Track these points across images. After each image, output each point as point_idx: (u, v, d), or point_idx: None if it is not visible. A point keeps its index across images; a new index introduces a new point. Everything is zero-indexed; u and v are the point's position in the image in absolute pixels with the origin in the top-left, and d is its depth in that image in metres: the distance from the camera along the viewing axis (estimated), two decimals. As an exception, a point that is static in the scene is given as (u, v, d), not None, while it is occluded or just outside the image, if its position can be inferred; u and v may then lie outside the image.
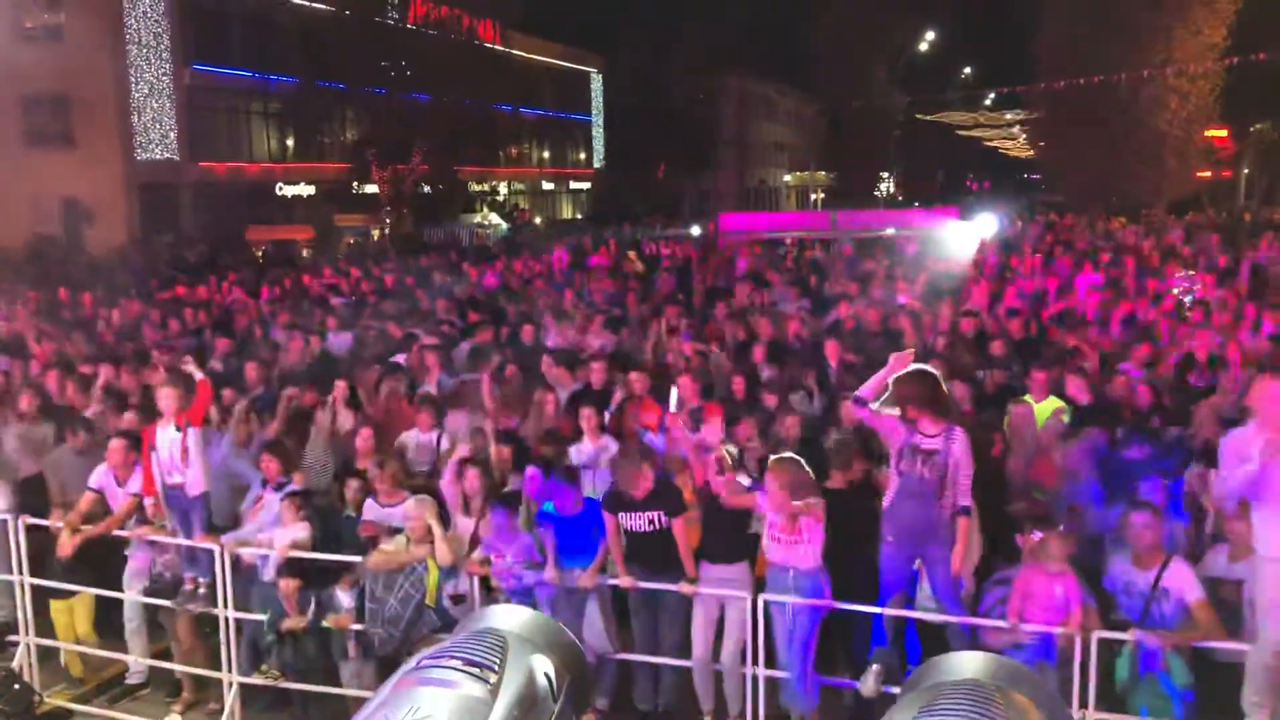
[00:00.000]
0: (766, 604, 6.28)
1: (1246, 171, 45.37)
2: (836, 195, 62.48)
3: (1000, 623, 6.00)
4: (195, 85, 35.29)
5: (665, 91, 52.88)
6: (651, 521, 6.55)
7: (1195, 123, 38.93)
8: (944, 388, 6.15)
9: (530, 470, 7.32)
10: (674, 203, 52.90)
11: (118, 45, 32.78)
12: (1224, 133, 42.53)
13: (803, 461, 6.24)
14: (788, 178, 76.24)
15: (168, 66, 34.23)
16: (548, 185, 59.14)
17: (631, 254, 23.64)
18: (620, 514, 6.61)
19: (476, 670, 1.74)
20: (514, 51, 49.64)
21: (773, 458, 6.25)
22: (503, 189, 52.76)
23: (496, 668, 1.76)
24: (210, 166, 36.22)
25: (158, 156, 34.31)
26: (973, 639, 6.07)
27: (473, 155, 42.62)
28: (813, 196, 74.37)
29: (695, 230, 36.35)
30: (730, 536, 6.47)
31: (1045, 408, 8.19)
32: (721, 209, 40.80)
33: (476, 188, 48.02)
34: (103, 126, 32.76)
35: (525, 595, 6.68)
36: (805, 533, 6.12)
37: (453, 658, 1.80)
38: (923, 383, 5.96)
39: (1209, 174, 44.07)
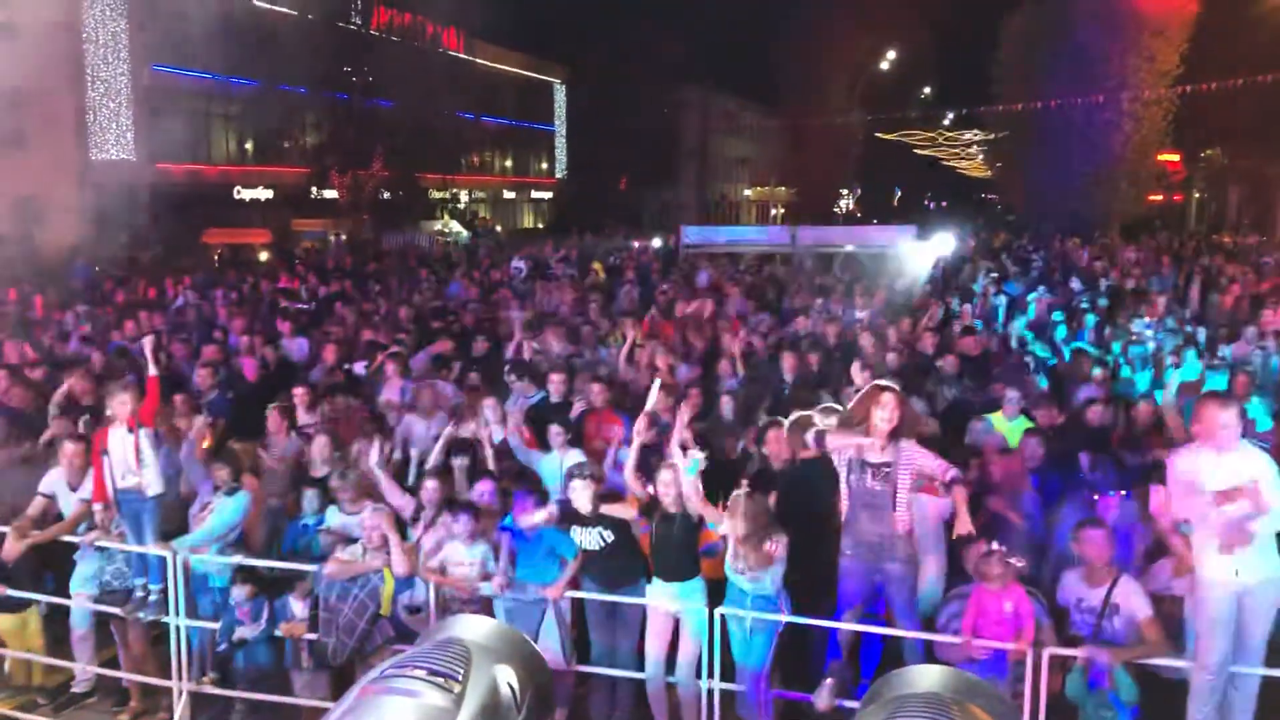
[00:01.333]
0: (723, 617, 6.30)
1: (1197, 196, 46.29)
2: (796, 211, 62.87)
3: (955, 638, 6.07)
4: (154, 86, 34.87)
5: (628, 103, 52.99)
6: (600, 538, 6.57)
7: (1148, 147, 39.68)
8: (907, 405, 6.24)
9: (483, 484, 7.29)
10: (635, 214, 52.95)
11: (75, 44, 32.33)
12: (1176, 158, 43.40)
13: (768, 501, 6.28)
14: (748, 192, 76.64)
15: (126, 67, 33.81)
16: (509, 194, 59.02)
17: (596, 265, 23.63)
18: (572, 528, 6.62)
19: (440, 680, 1.74)
20: (477, 60, 49.56)
21: (737, 493, 6.26)
22: (464, 197, 52.58)
23: (460, 678, 1.77)
24: (167, 168, 35.78)
25: (114, 157, 33.85)
26: (928, 654, 6.14)
27: (434, 162, 42.46)
28: (773, 211, 74.87)
29: (656, 242, 36.42)
30: (681, 554, 6.49)
31: (1016, 427, 8.27)
32: (683, 221, 40.91)
33: (437, 195, 47.81)
34: (58, 126, 32.25)
35: (482, 606, 6.65)
36: (767, 567, 6.15)
37: (416, 667, 1.80)
38: (884, 400, 6.06)
39: (1160, 198, 44.91)
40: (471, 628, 2.02)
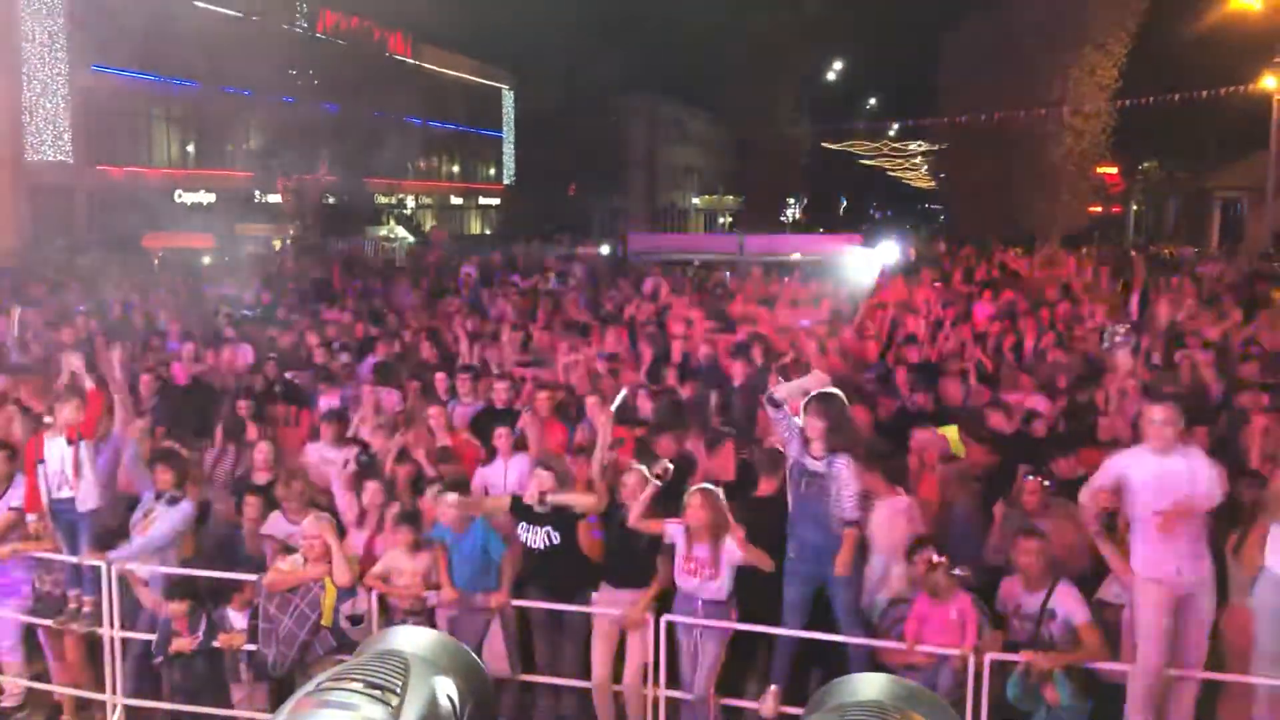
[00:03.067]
0: (670, 624, 6.29)
1: (1135, 208, 47.27)
2: (744, 219, 63.21)
3: (898, 644, 6.12)
4: (93, 87, 34.23)
5: (576, 110, 53.01)
6: (545, 538, 6.53)
7: (1087, 159, 40.42)
8: (848, 412, 6.29)
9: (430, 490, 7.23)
10: (584, 221, 52.96)
11: (11, 43, 31.65)
12: (1114, 170, 44.30)
13: (721, 494, 6.29)
14: (696, 200, 76.98)
15: (64, 67, 33.15)
16: (456, 200, 58.72)
17: (549, 273, 23.52)
18: (519, 524, 6.58)
19: (378, 693, 1.71)
20: (425, 65, 49.27)
21: (695, 488, 6.26)
22: (410, 202, 52.21)
23: (398, 690, 1.74)
24: (107, 170, 35.14)
25: (50, 159, 33.17)
26: (871, 660, 6.18)
27: (381, 167, 42.13)
28: (720, 220, 75.24)
29: (604, 249, 36.44)
30: (634, 560, 6.47)
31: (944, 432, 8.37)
32: (630, 229, 40.99)
33: (384, 200, 47.43)
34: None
35: (425, 616, 6.58)
36: (719, 568, 6.15)
37: (353, 680, 1.76)
38: (830, 406, 6.10)
39: (1100, 209, 45.77)
40: (410, 639, 1.99)
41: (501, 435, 7.89)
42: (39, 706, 7.33)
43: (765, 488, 6.81)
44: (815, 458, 6.10)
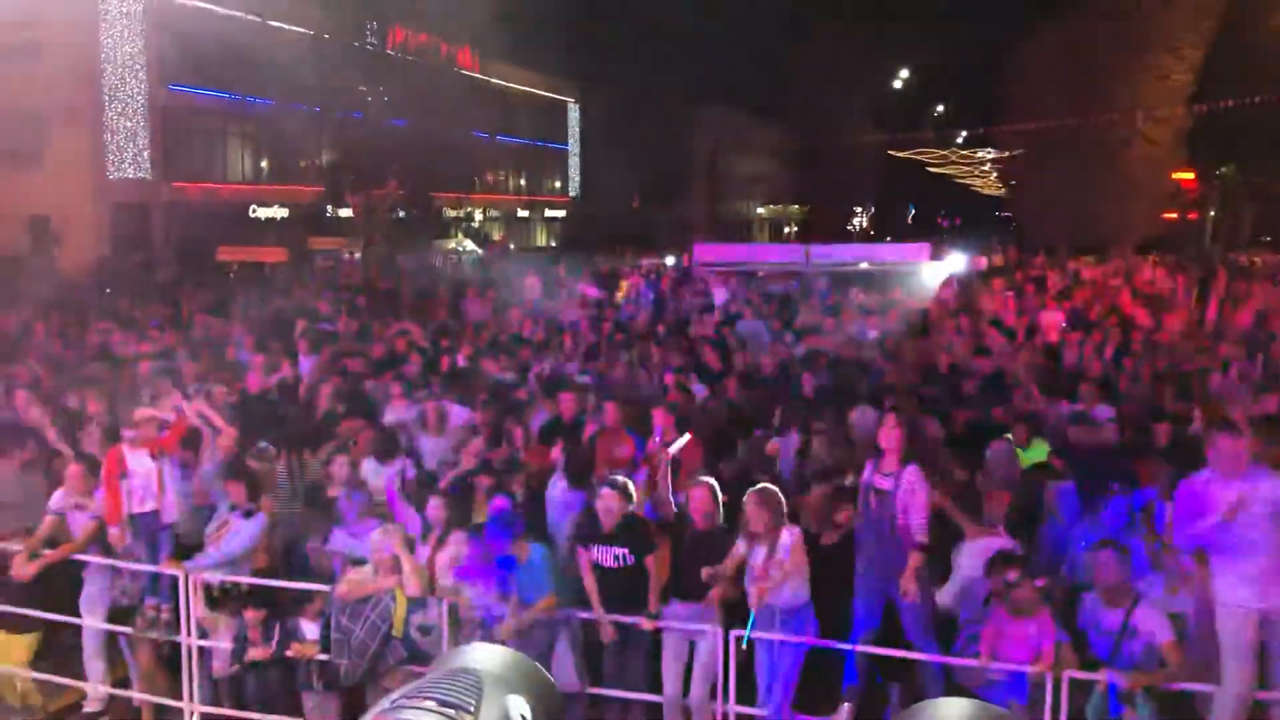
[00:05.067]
0: (739, 640, 6.23)
1: (1212, 213, 46.09)
2: (809, 229, 62.83)
3: (973, 661, 6.00)
4: (171, 105, 35.14)
5: (640, 121, 53.14)
6: (618, 558, 6.50)
7: (1162, 165, 39.56)
8: (921, 426, 6.23)
9: (498, 501, 7.25)
10: (648, 232, 53.02)
11: (93, 63, 32.62)
12: (1191, 175, 43.26)
13: (778, 491, 6.23)
14: (761, 210, 76.71)
15: (143, 86, 34.08)
16: (523, 213, 59.19)
17: (624, 283, 23.58)
18: (591, 548, 6.55)
19: (451, 711, 1.70)
20: (492, 79, 49.77)
21: (751, 490, 6.22)
22: (478, 215, 52.74)
23: (472, 709, 1.73)
24: (184, 187, 36.01)
25: (130, 175, 34.09)
26: (946, 677, 6.08)
27: (449, 181, 42.60)
28: (786, 229, 74.88)
29: (669, 260, 36.44)
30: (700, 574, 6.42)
31: (1034, 450, 8.21)
32: (695, 240, 40.90)
33: (452, 214, 47.95)
34: (75, 144, 32.52)
35: (490, 629, 6.59)
36: (787, 570, 6.09)
37: (427, 698, 1.76)
38: (905, 419, 6.07)
39: (1175, 216, 44.74)
40: (484, 656, 1.98)
41: (556, 450, 7.91)
42: (120, 713, 7.47)
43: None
44: (884, 473, 6.03)
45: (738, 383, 10.32)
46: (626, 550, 6.47)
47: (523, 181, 59.28)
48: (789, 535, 6.08)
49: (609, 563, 6.50)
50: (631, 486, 6.70)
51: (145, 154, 34.52)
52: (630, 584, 6.47)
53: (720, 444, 8.43)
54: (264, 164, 40.84)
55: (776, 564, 5.97)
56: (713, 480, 6.61)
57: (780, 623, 6.14)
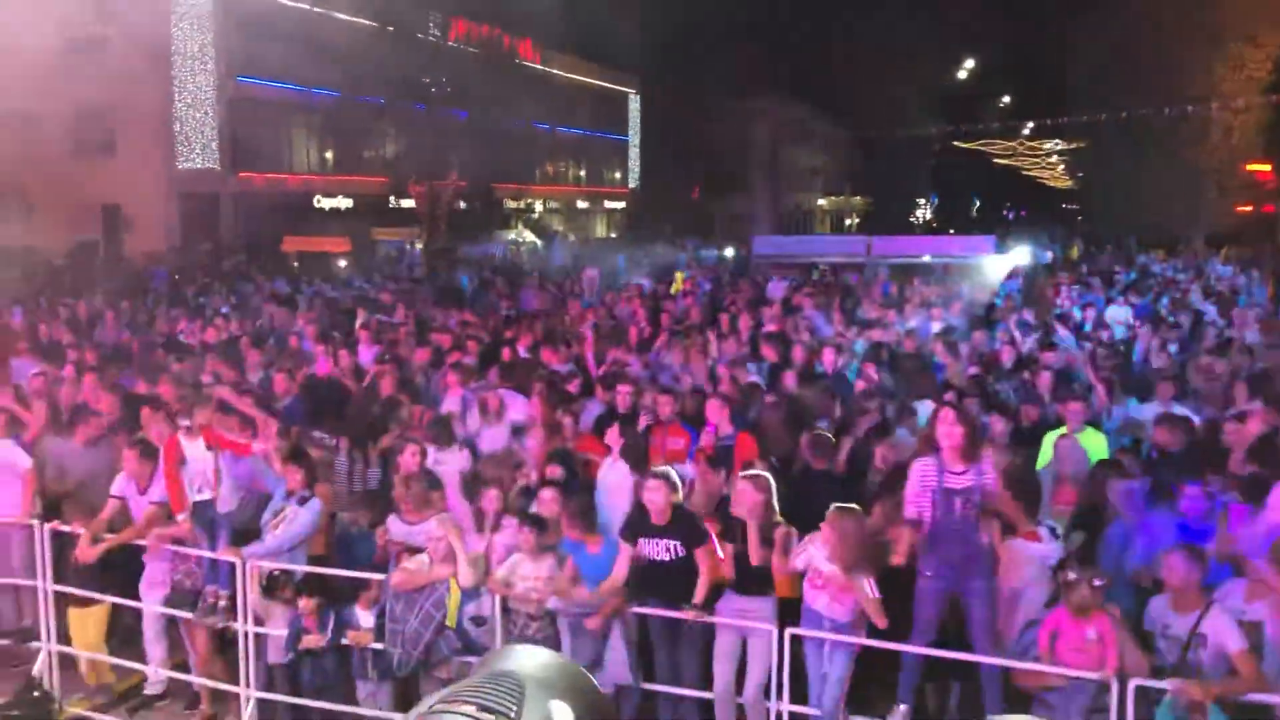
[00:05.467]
0: (794, 637, 6.15)
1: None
2: (871, 220, 62.21)
3: (1032, 665, 5.86)
4: (238, 97, 35.69)
5: (701, 112, 52.94)
6: (669, 550, 6.43)
7: (1237, 156, 38.51)
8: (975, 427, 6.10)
9: (546, 492, 7.22)
10: (708, 224, 52.88)
11: (163, 56, 33.24)
12: (1267, 167, 42.05)
13: (861, 513, 6.11)
14: (822, 202, 76.07)
15: (211, 78, 34.66)
16: (583, 204, 59.30)
17: (679, 274, 23.52)
18: (639, 541, 6.48)
19: (490, 717, 1.66)
20: (553, 71, 49.88)
21: (833, 508, 6.10)
22: (538, 206, 52.94)
23: (512, 714, 1.69)
24: (250, 177, 36.57)
25: (198, 166, 34.70)
26: (1005, 681, 5.94)
27: (510, 173, 42.80)
28: (847, 221, 74.21)
29: (729, 252, 36.30)
30: (757, 569, 6.33)
31: (1089, 440, 8.03)
32: (755, 232, 40.69)
33: (512, 205, 48.17)
34: (146, 135, 33.19)
35: (548, 620, 6.58)
36: (849, 597, 5.98)
37: (466, 703, 1.73)
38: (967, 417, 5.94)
39: (1250, 208, 43.56)
40: (527, 659, 1.93)
41: (613, 434, 7.87)
42: (180, 695, 7.59)
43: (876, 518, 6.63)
44: (955, 472, 5.91)
45: (796, 377, 10.19)
46: (678, 543, 6.40)
47: (582, 173, 59.38)
48: (867, 587, 5.97)
49: (660, 556, 6.43)
50: (675, 476, 6.63)
51: (213, 145, 35.12)
52: (681, 578, 6.39)
53: (777, 439, 8.32)
54: (328, 155, 41.33)
55: (843, 587, 5.89)
56: (765, 473, 6.51)
57: (831, 629, 6.04)
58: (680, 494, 6.58)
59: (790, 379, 10.08)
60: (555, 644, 6.58)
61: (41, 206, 29.48)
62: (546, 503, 7.01)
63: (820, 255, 28.76)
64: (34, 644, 7.62)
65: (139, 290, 20.03)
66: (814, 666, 6.20)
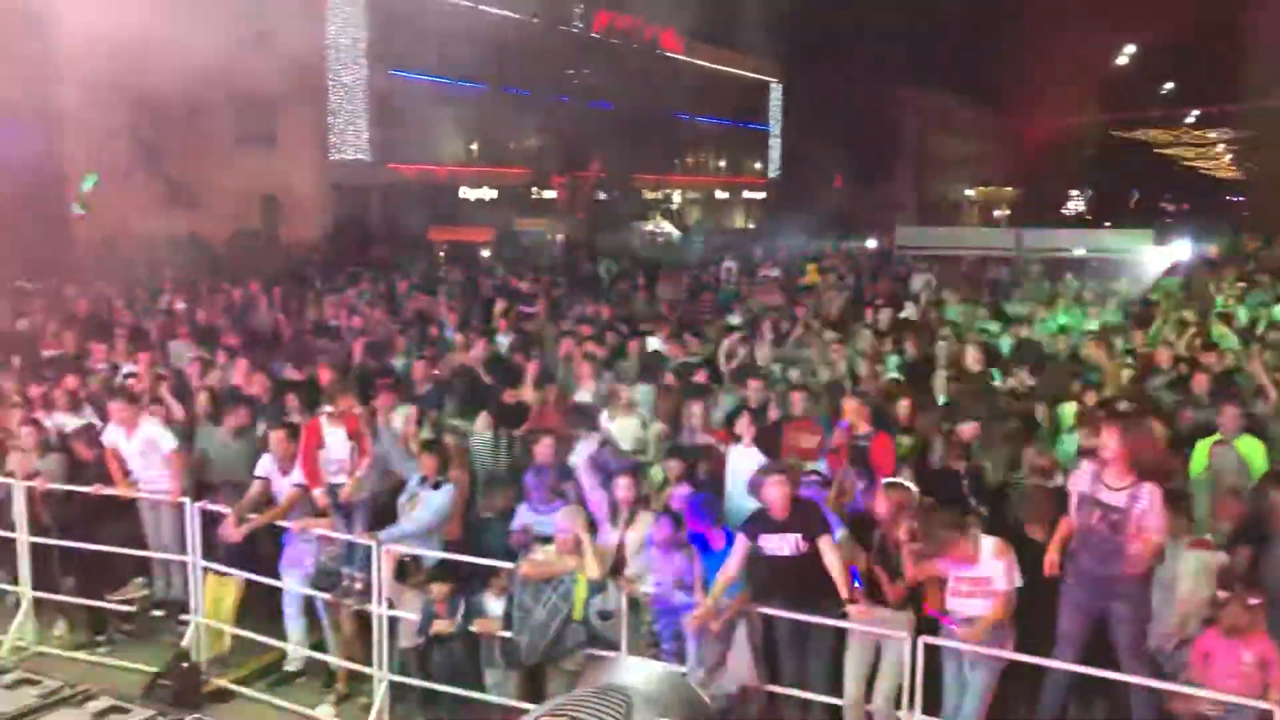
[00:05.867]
0: (928, 647, 5.92)
1: None
2: (1022, 212, 60.16)
3: (1183, 688, 5.50)
4: (389, 90, 36.75)
5: (845, 101, 52.06)
6: (792, 545, 6.25)
7: None
8: (1154, 439, 5.74)
9: (679, 489, 7.13)
10: (849, 214, 51.98)
11: (319, 50, 34.46)
12: None
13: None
14: (970, 192, 73.93)
15: (364, 71, 35.78)
16: (721, 194, 59.07)
17: (811, 266, 23.17)
18: (760, 537, 6.32)
19: (596, 732, 1.61)
20: (695, 60, 49.80)
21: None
22: (676, 197, 52.97)
23: (618, 731, 1.63)
24: (399, 168, 37.63)
25: (350, 157, 35.89)
26: (1155, 703, 5.60)
27: (649, 163, 42.94)
28: (996, 213, 71.94)
29: (870, 243, 35.60)
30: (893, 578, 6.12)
31: (1246, 447, 7.52)
32: (898, 222, 39.80)
33: (651, 195, 48.33)
34: (303, 128, 34.49)
35: (673, 616, 6.51)
36: (992, 577, 5.74)
37: (572, 717, 1.68)
38: (1134, 427, 5.60)
39: None
40: (636, 673, 1.87)
41: (743, 423, 7.75)
42: (317, 673, 7.80)
43: (1033, 532, 6.31)
44: (1112, 487, 5.57)
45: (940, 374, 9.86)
46: (800, 536, 6.22)
47: (722, 163, 59.14)
48: (989, 546, 5.72)
49: (782, 551, 6.26)
50: (794, 470, 6.49)
51: (365, 137, 36.26)
52: (806, 574, 6.19)
53: (919, 439, 8.05)
54: (474, 147, 42.20)
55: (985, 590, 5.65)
56: (907, 483, 6.28)
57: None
58: (798, 487, 6.45)
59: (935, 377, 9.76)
60: (680, 642, 6.51)
61: (207, 196, 30.91)
62: (679, 498, 6.93)
63: (967, 248, 27.95)
64: (184, 616, 7.95)
65: (292, 277, 20.75)
66: (951, 675, 5.96)
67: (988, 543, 5.88)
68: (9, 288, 16.71)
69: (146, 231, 26.33)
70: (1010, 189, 71.81)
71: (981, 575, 5.83)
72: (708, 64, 52.48)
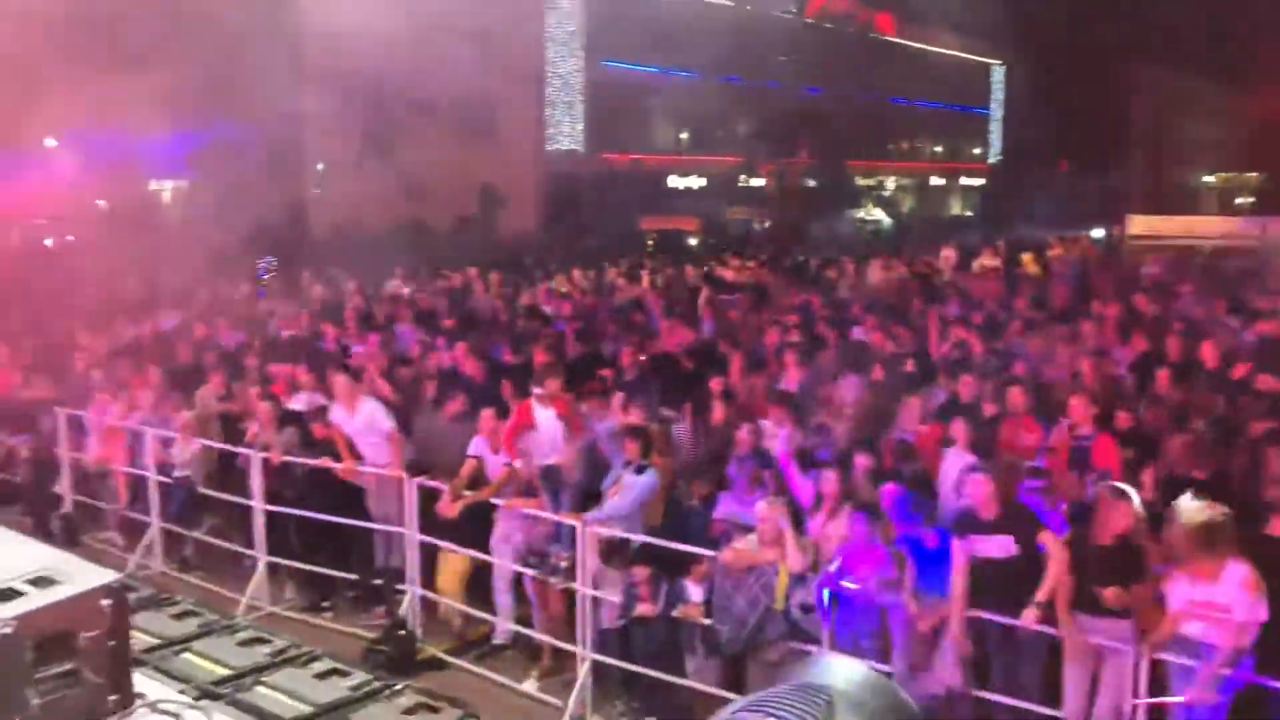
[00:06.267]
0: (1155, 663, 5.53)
1: None
2: (1268, 199, 55.62)
3: None
4: (602, 80, 37.46)
5: (1072, 82, 49.45)
6: (1003, 547, 5.97)
7: None
8: None
9: (888, 486, 6.94)
10: (1075, 202, 49.39)
11: (537, 43, 35.47)
12: None
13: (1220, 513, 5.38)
14: (1209, 178, 68.88)
15: (580, 63, 36.61)
16: (937, 180, 57.27)
17: (1027, 256, 22.14)
18: (969, 538, 6.07)
19: (795, 731, 1.55)
20: (911, 44, 48.45)
21: (1182, 504, 5.42)
22: (889, 183, 51.73)
23: (818, 732, 1.57)
24: (610, 158, 38.31)
25: (565, 147, 36.81)
26: None
27: (861, 149, 42.12)
28: (1238, 200, 66.78)
29: (1098, 232, 33.74)
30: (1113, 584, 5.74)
31: None
32: (1129, 210, 37.56)
33: (863, 182, 47.39)
34: (520, 119, 35.58)
35: (875, 614, 6.35)
36: (1232, 606, 5.29)
37: (769, 715, 1.64)
38: None
39: None
40: (841, 673, 1.80)
41: (958, 426, 7.46)
42: (524, 648, 8.04)
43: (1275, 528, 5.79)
44: None
45: (1171, 374, 9.18)
46: (1011, 539, 5.94)
47: (939, 148, 57.33)
48: (1237, 573, 5.26)
49: (992, 554, 5.99)
50: (1010, 469, 6.17)
51: (579, 127, 37.12)
52: (1017, 578, 5.90)
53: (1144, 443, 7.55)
54: (683, 135, 42.48)
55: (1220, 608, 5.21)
56: (1129, 489, 5.89)
57: (1204, 651, 5.36)
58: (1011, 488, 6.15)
59: (1164, 378, 9.12)
60: (884, 640, 6.35)
61: (431, 187, 32.33)
62: (887, 495, 6.75)
63: (1206, 237, 26.09)
64: (401, 586, 8.34)
65: (508, 264, 21.45)
66: (1182, 696, 5.54)
67: (1236, 567, 5.36)
68: (251, 273, 17.99)
69: (376, 220, 27.81)
70: (1255, 175, 66.44)
71: (1219, 600, 5.33)
72: (925, 46, 50.91)
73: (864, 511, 6.53)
